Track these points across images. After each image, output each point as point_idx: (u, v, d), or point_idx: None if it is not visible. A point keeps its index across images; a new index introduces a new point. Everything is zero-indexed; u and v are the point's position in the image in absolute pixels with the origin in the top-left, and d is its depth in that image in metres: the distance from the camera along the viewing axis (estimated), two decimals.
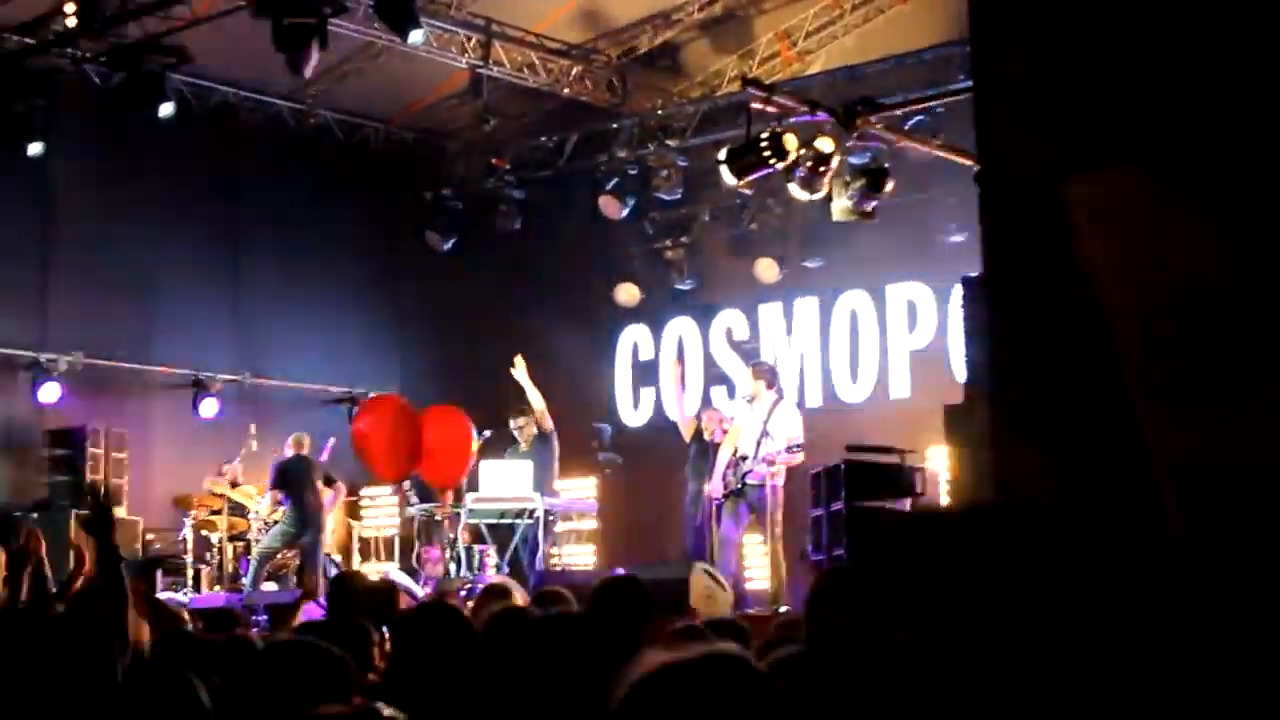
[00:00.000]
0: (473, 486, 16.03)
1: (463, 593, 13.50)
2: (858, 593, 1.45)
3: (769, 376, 15.28)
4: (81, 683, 3.61)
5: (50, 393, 17.71)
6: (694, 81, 19.92)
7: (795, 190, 15.32)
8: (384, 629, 5.46)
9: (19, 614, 6.00)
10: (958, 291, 15.54)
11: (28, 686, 3.63)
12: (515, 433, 16.59)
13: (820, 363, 19.00)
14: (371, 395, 19.17)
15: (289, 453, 16.70)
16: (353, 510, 19.28)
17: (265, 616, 13.87)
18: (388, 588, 7.07)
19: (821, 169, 14.89)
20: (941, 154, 15.33)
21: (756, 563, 16.47)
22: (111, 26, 15.81)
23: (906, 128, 15.91)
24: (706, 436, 15.88)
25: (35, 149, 16.51)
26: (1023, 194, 7.79)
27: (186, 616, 8.20)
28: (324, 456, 17.70)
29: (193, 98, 18.52)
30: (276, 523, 16.55)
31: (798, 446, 14.52)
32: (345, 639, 6.03)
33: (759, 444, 14.58)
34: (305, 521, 16.34)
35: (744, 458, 14.59)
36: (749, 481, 14.51)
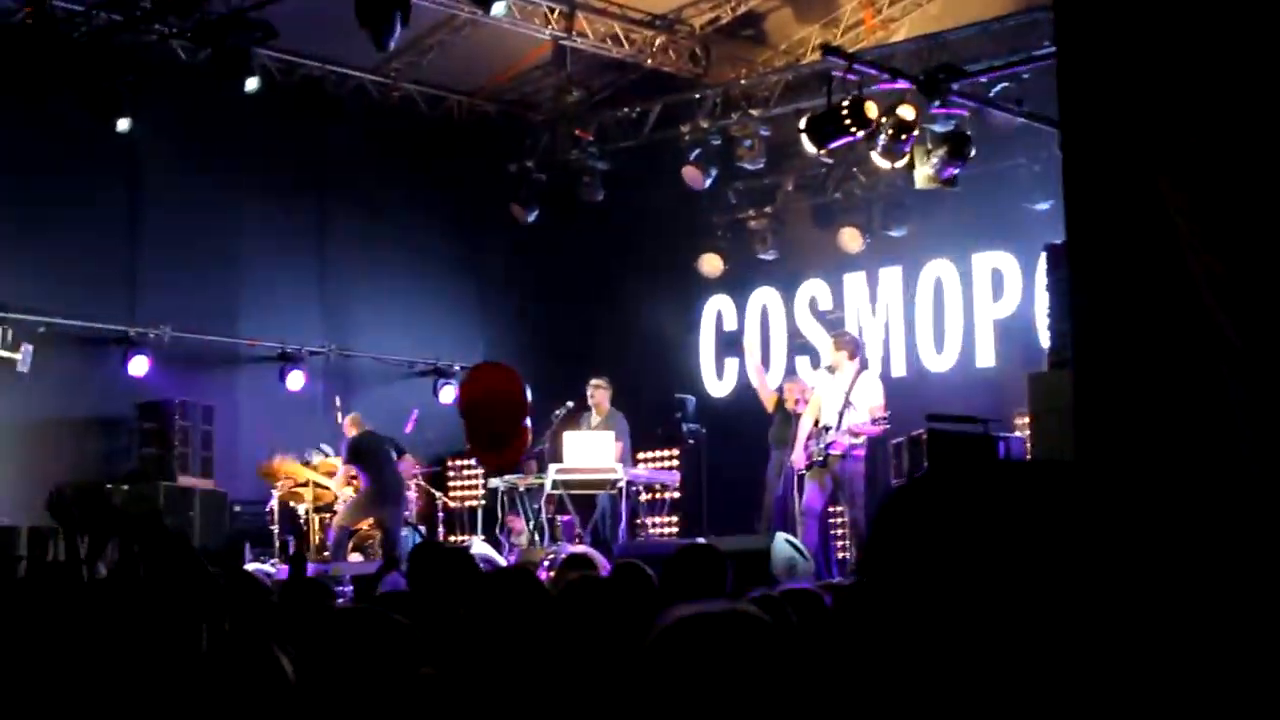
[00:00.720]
0: (556, 458, 16.06)
1: (546, 563, 13.53)
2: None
3: (851, 347, 15.20)
4: (165, 654, 3.66)
5: (139, 366, 17.92)
6: (777, 51, 19.83)
7: (877, 158, 15.24)
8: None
9: (102, 584, 6.08)
10: (1044, 259, 15.44)
11: (112, 657, 3.69)
12: (592, 393, 16.64)
13: (905, 332, 18.92)
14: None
15: (353, 431, 16.79)
16: (438, 481, 19.38)
17: (350, 588, 13.97)
18: (465, 556, 7.08)
19: (903, 137, 14.78)
20: (1026, 121, 15.19)
21: (841, 533, 16.45)
22: (198, 3, 15.92)
23: (991, 95, 15.77)
24: (789, 407, 15.84)
25: (123, 125, 16.66)
26: (1106, 161, 7.69)
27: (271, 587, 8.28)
28: (408, 428, 17.81)
29: (278, 72, 18.64)
30: (352, 497, 16.68)
31: (882, 418, 14.45)
32: (424, 608, 6.08)
33: (841, 415, 14.52)
34: (383, 494, 16.45)
35: (826, 428, 14.53)
36: (831, 452, 14.46)
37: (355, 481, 16.67)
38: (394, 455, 16.76)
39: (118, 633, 3.78)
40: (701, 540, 11.46)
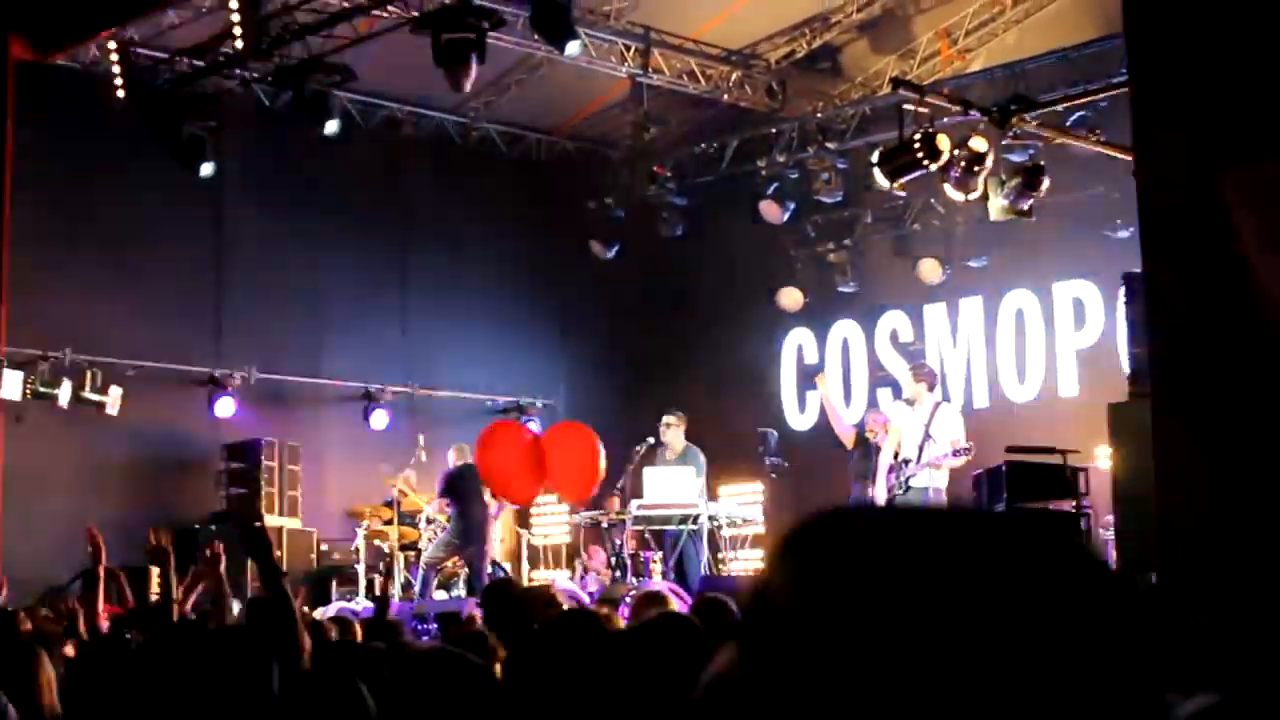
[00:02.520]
0: (637, 493, 16.09)
1: (627, 599, 13.55)
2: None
3: (930, 378, 15.13)
4: (236, 696, 3.71)
5: (226, 407, 18.12)
6: (854, 83, 19.85)
7: (950, 190, 15.18)
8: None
9: (181, 627, 6.17)
10: (1122, 288, 15.32)
11: (187, 700, 3.74)
12: (663, 431, 16.56)
13: (986, 363, 18.83)
14: (492, 423, 19.08)
15: (454, 462, 16.89)
16: (522, 518, 19.46)
17: (435, 625, 14.04)
18: (546, 593, 7.13)
19: (975, 169, 14.73)
20: (1100, 150, 15.13)
21: None
22: (277, 47, 16.13)
23: (1068, 123, 15.70)
24: (870, 439, 15.74)
25: (207, 170, 16.91)
26: (1179, 189, 7.68)
27: (357, 626, 8.37)
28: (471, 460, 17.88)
29: (357, 114, 18.85)
30: (443, 531, 16.74)
31: (963, 449, 14.36)
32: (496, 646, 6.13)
33: (921, 448, 14.45)
34: (469, 530, 16.50)
35: (906, 461, 14.44)
36: (913, 485, 14.38)
37: (446, 511, 16.74)
38: (486, 493, 16.84)
39: (189, 675, 3.84)
40: None
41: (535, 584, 16.74)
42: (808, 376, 20.25)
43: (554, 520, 19.74)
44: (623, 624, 6.81)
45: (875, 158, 14.81)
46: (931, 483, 14.23)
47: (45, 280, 17.00)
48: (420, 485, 17.73)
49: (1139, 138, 7.94)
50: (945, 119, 14.98)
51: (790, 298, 20.26)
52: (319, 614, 14.01)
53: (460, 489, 16.66)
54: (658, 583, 14.45)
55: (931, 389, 14.88)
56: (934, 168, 14.47)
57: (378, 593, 15.13)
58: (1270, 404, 7.04)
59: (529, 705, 3.64)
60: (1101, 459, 14.23)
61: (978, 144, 14.48)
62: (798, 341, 20.70)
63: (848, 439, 16.29)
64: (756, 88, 19.53)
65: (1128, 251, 15.92)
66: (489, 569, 16.69)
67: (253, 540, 5.58)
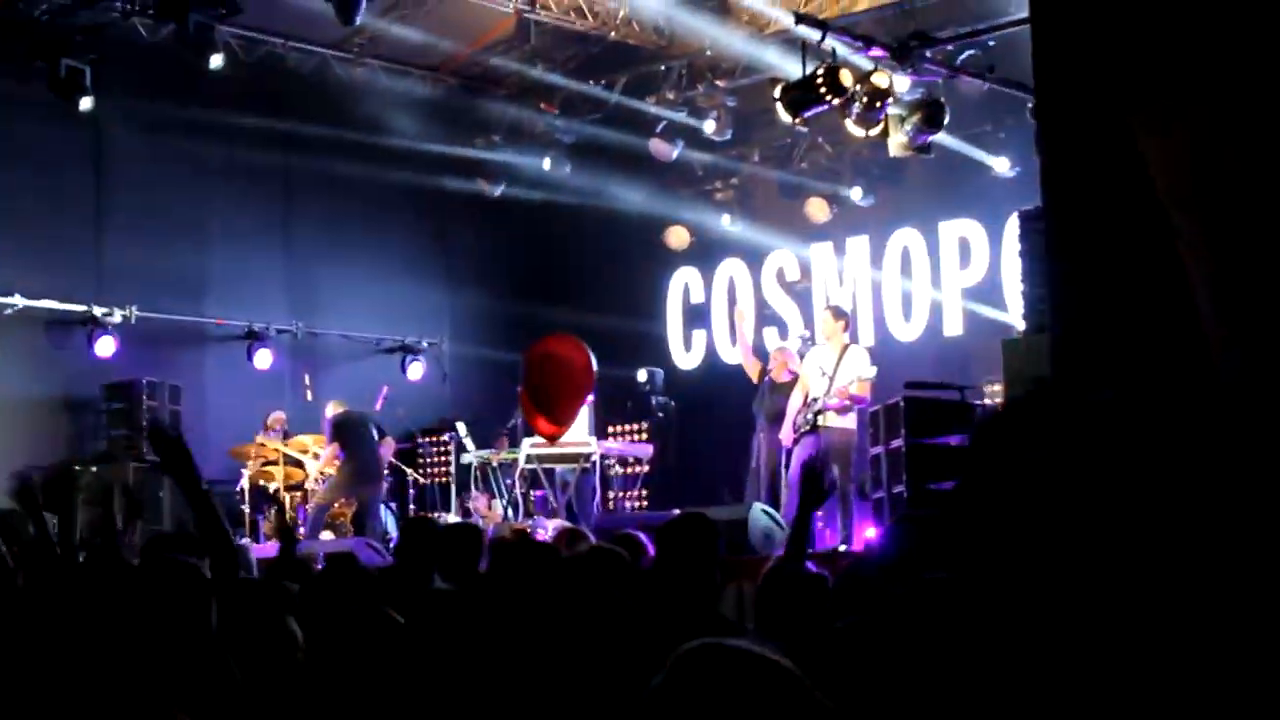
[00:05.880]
0: (528, 432, 16.05)
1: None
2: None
3: (846, 319, 15.01)
4: (179, 633, 3.63)
5: (106, 347, 17.82)
6: (741, 21, 19.79)
7: (851, 127, 15.15)
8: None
9: (105, 563, 6.03)
10: (1012, 226, 15.47)
11: (125, 636, 3.66)
12: None
13: (872, 302, 18.96)
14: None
15: (335, 411, 16.74)
16: (409, 458, 19.35)
17: (323, 565, 13.94)
18: (470, 530, 7.05)
19: (877, 105, 14.74)
20: (994, 88, 15.23)
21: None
22: None
23: (959, 62, 15.78)
24: (774, 376, 15.45)
25: (86, 104, 16.56)
26: (1082, 126, 7.68)
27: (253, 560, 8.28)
28: (378, 405, 17.77)
29: (241, 49, 18.52)
30: (332, 475, 16.63)
31: (849, 403, 14.13)
32: (411, 583, 6.08)
33: (829, 386, 14.27)
34: (363, 472, 16.40)
35: (815, 399, 14.27)
36: (818, 423, 14.15)
37: (339, 458, 16.61)
38: (375, 434, 16.73)
39: (124, 612, 3.76)
40: (677, 513, 11.47)
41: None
42: (696, 317, 20.31)
43: (440, 461, 19.63)
44: None
45: (777, 92, 14.76)
46: (830, 422, 14.03)
47: None
48: (306, 426, 17.60)
49: (1040, 75, 7.97)
50: (841, 55, 14.93)
51: (677, 237, 20.29)
52: None
53: (348, 433, 16.54)
54: (554, 521, 14.43)
55: (846, 329, 14.77)
56: (837, 103, 14.46)
57: (276, 528, 15.01)
58: (1170, 338, 7.12)
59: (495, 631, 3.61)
60: (991, 395, 14.41)
61: (880, 80, 14.48)
62: (684, 280, 20.74)
63: (753, 372, 15.97)
64: (644, 24, 19.40)
65: (1014, 190, 16.12)
66: (380, 509, 16.64)
67: (173, 454, 5.30)
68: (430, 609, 3.70)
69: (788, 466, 14.28)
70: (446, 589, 3.94)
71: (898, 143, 15.30)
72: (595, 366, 14.86)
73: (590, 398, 16.40)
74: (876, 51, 14.54)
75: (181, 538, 6.24)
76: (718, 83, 18.50)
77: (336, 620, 3.63)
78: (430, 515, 16.70)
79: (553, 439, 15.28)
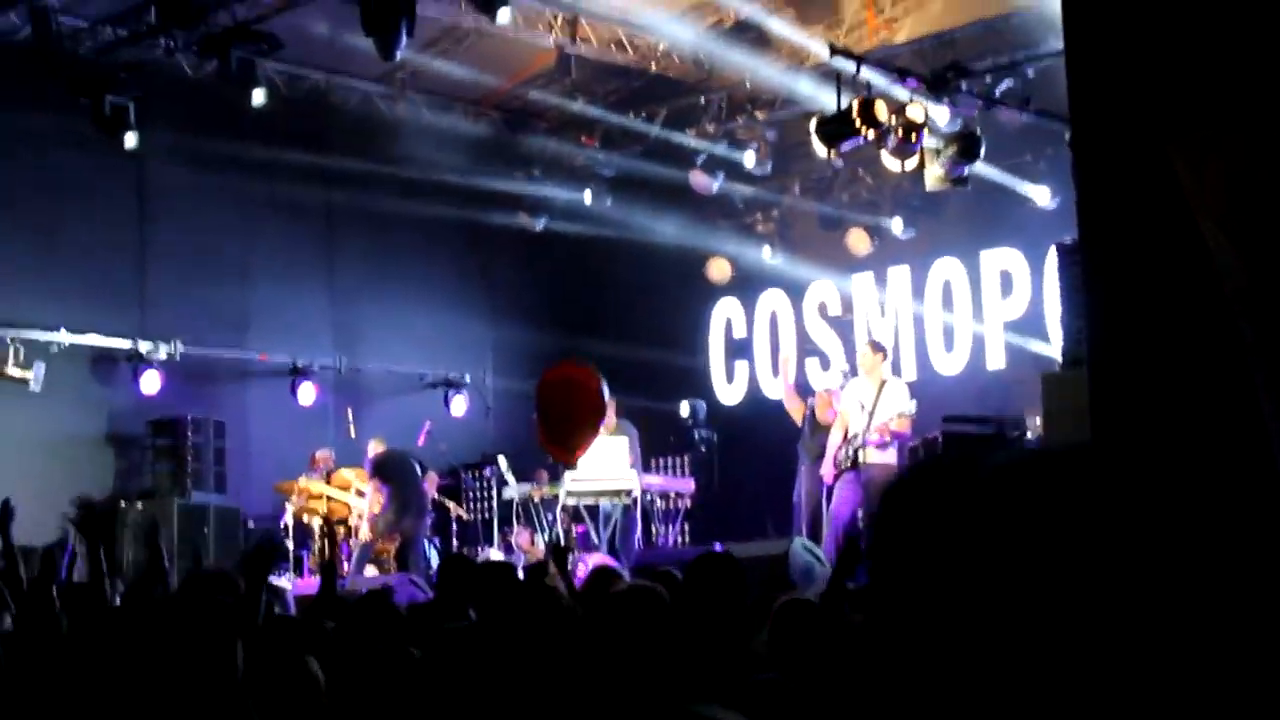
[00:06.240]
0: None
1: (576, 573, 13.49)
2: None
3: (886, 353, 15.03)
4: (204, 674, 3.62)
5: (151, 382, 17.90)
6: (781, 54, 19.78)
7: (887, 160, 15.15)
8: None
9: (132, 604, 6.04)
10: (1053, 258, 15.38)
11: (153, 678, 3.65)
12: None
13: (914, 333, 18.88)
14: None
15: (377, 450, 16.81)
16: (452, 493, 19.34)
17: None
18: (504, 567, 7.05)
19: (913, 137, 14.71)
20: (1032, 118, 15.16)
21: None
22: (203, 15, 15.90)
23: (997, 93, 15.73)
24: (820, 417, 15.43)
25: (131, 140, 16.68)
26: (1118, 157, 7.65)
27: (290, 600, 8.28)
28: (421, 440, 17.80)
29: (283, 84, 18.62)
30: (377, 513, 16.65)
31: (909, 413, 14.16)
32: (449, 619, 6.06)
33: (869, 421, 14.27)
34: (406, 509, 16.46)
35: (855, 436, 14.25)
36: (859, 459, 14.14)
37: (381, 494, 16.64)
38: (419, 470, 16.77)
39: (155, 653, 3.75)
40: (719, 548, 11.42)
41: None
42: (739, 349, 20.27)
43: (483, 496, 19.61)
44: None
45: (813, 125, 14.75)
46: (871, 458, 14.01)
47: None
48: (348, 460, 17.64)
49: (1075, 106, 7.91)
50: (878, 88, 14.92)
51: (719, 269, 20.27)
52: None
53: (390, 471, 16.60)
54: (594, 557, 14.39)
55: (885, 363, 14.78)
56: (872, 136, 14.44)
57: (318, 564, 15.02)
58: (1208, 370, 7.04)
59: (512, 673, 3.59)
60: (1033, 429, 14.32)
61: (915, 113, 14.45)
62: (726, 313, 20.71)
63: (797, 414, 16.01)
64: (684, 57, 19.41)
65: (1054, 221, 16.04)
66: (424, 545, 16.67)
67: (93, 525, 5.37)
68: (444, 646, 3.69)
69: (829, 501, 14.25)
70: (458, 626, 3.93)
71: (934, 175, 15.26)
72: (607, 392, 14.75)
73: (635, 434, 16.35)
74: (911, 84, 14.50)
75: (217, 577, 6.24)
76: (757, 115, 18.51)
77: (359, 661, 3.61)
78: (466, 552, 16.68)
79: (567, 465, 15.28)
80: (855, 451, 14.01)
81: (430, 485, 17.37)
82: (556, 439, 14.60)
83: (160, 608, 4.52)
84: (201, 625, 3.93)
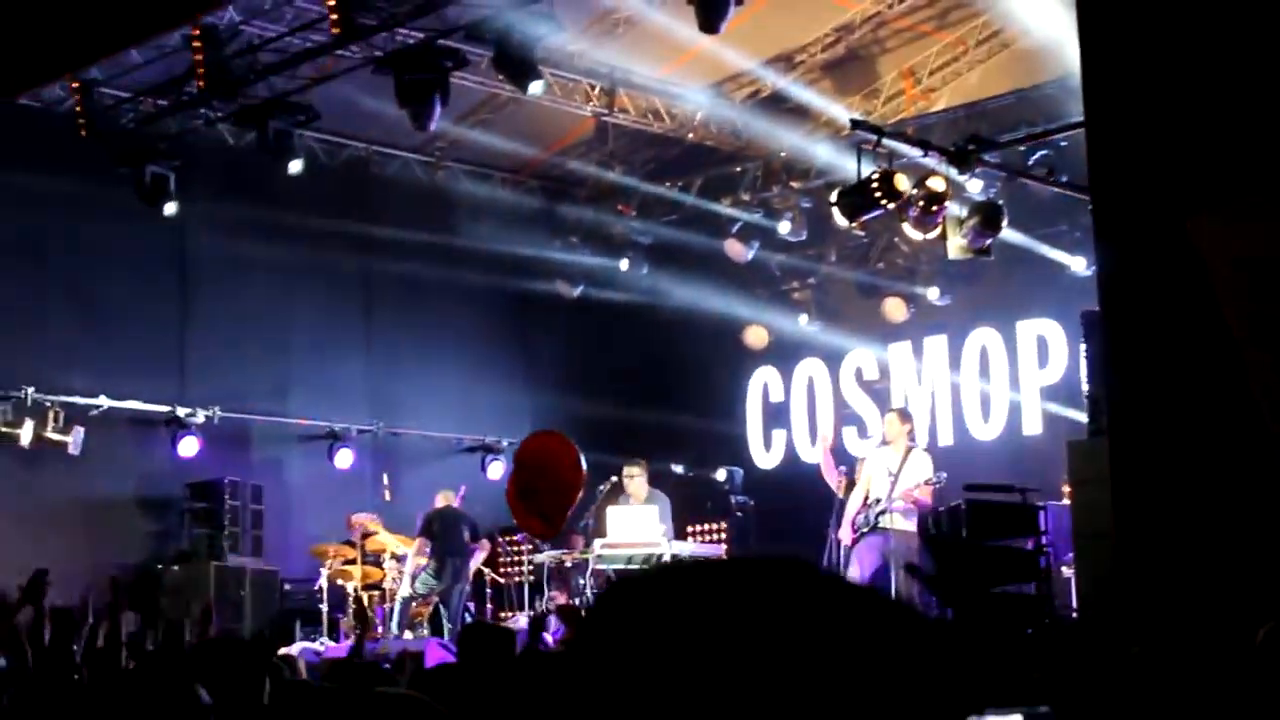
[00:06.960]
0: (601, 533, 16.06)
1: None
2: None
3: (913, 423, 15.13)
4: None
5: (189, 447, 18.04)
6: (818, 123, 19.90)
7: (909, 230, 15.20)
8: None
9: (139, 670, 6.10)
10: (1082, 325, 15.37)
11: None
12: (626, 483, 16.51)
13: (951, 401, 18.86)
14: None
15: (438, 503, 16.95)
16: (488, 558, 19.37)
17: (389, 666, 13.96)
18: (506, 634, 7.13)
19: (934, 208, 14.74)
20: (1058, 190, 15.22)
21: None
22: (241, 87, 16.12)
23: (1030, 162, 15.77)
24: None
25: (170, 209, 16.91)
26: (1138, 230, 7.73)
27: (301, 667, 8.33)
28: (457, 503, 17.85)
29: (322, 153, 18.83)
30: (420, 571, 16.71)
31: (935, 481, 14.26)
32: (474, 685, 6.11)
33: (893, 488, 14.39)
34: (444, 569, 16.53)
35: (877, 500, 14.37)
36: (881, 525, 14.28)
37: (425, 552, 16.73)
38: (466, 533, 16.83)
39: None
40: None
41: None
42: (776, 416, 20.28)
43: (517, 560, 19.63)
44: None
45: (833, 197, 14.82)
46: (894, 524, 14.11)
47: (7, 319, 16.98)
48: (384, 525, 17.69)
49: (1095, 177, 8.00)
50: (905, 159, 14.99)
51: (756, 336, 20.29)
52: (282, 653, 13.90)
53: (436, 529, 16.68)
54: None
55: (910, 433, 14.89)
56: (892, 207, 14.47)
57: (351, 628, 15.07)
58: (1226, 443, 7.09)
59: None
60: (1065, 496, 14.29)
61: (935, 184, 14.48)
62: (763, 380, 20.71)
63: (838, 486, 16.05)
64: (721, 127, 19.56)
65: (1090, 289, 16.02)
66: (460, 609, 16.70)
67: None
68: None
69: (846, 567, 14.31)
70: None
71: (956, 245, 15.27)
72: (584, 465, 14.80)
73: (667, 503, 16.36)
74: (932, 156, 14.56)
75: (236, 643, 6.31)
76: (792, 184, 18.61)
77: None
78: (485, 618, 16.69)
79: (544, 539, 15.38)
80: (876, 516, 14.08)
81: (481, 550, 17.42)
82: (536, 511, 14.65)
83: (134, 680, 4.57)
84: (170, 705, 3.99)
